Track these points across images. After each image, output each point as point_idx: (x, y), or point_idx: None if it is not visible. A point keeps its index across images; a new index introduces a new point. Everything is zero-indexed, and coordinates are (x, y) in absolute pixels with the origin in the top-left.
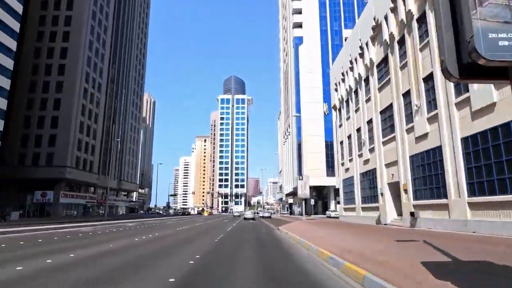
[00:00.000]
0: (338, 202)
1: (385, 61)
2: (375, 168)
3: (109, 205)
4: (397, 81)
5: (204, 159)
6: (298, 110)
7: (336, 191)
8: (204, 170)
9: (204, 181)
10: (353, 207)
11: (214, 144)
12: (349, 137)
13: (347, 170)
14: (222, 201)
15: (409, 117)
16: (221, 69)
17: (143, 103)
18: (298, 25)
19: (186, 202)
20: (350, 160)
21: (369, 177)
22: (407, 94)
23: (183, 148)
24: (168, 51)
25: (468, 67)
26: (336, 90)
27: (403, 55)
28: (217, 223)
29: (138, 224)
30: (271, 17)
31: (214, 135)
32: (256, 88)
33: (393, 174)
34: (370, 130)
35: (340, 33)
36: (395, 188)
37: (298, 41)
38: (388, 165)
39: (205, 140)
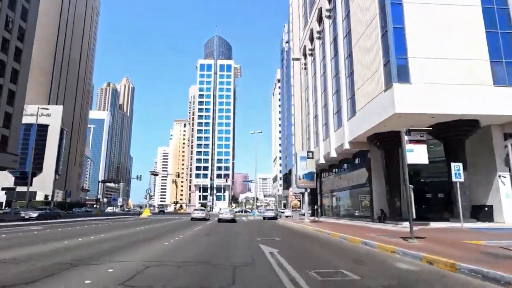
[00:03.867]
0: None
1: None
2: None
3: None
4: None
5: (183, 147)
6: None
7: None
8: (183, 159)
9: (182, 172)
10: None
11: (192, 125)
12: None
13: None
14: (200, 196)
15: None
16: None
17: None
18: None
19: (164, 197)
20: None
21: None
22: None
23: (165, 137)
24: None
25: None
26: None
27: None
28: None
29: None
30: None
31: (193, 114)
32: (247, 65)
33: None
34: None
35: None
36: None
37: None
38: None
39: (184, 125)
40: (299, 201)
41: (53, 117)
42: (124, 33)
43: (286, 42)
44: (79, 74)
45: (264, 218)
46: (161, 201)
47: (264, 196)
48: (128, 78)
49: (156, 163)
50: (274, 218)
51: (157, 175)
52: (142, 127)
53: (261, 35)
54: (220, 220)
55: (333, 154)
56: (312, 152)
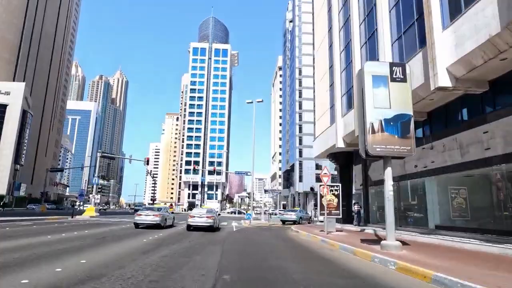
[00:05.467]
0: None
1: None
2: None
3: None
4: None
5: (175, 142)
6: None
7: None
8: (175, 155)
9: (174, 169)
10: None
11: (184, 117)
12: None
13: None
14: (190, 194)
15: None
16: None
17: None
18: None
19: (155, 195)
20: None
21: None
22: None
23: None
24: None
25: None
26: None
27: None
28: None
29: None
30: None
31: (185, 105)
32: (245, 53)
33: None
34: None
35: None
36: None
37: None
38: None
39: (177, 119)
40: (337, 196)
41: (13, 95)
42: (119, 23)
43: (290, 21)
44: (54, 53)
45: (283, 222)
46: (151, 199)
47: (265, 191)
48: (122, 71)
49: (149, 159)
50: (296, 222)
51: (113, 159)
52: (137, 122)
53: (260, 24)
54: (190, 228)
55: (445, 81)
56: (404, 66)
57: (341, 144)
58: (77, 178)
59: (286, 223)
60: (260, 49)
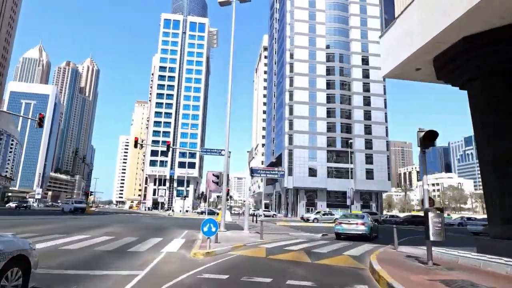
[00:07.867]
0: None
1: None
2: None
3: None
4: None
5: (145, 133)
6: None
7: None
8: (143, 147)
9: (143, 162)
10: None
11: (152, 102)
12: None
13: None
14: (155, 190)
15: None
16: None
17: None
18: None
19: (122, 193)
20: None
21: None
22: None
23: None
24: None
25: None
26: None
27: None
28: None
29: None
30: None
31: (155, 88)
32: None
33: None
34: None
35: None
36: None
37: None
38: None
39: (148, 107)
40: None
41: None
42: (90, 7)
43: None
44: None
45: (338, 236)
46: (119, 197)
47: (252, 172)
48: (92, 59)
49: (42, 117)
50: (366, 237)
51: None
52: (109, 114)
53: (243, 10)
54: None
55: None
56: None
57: None
58: (28, 171)
59: (343, 236)
60: (242, 39)
